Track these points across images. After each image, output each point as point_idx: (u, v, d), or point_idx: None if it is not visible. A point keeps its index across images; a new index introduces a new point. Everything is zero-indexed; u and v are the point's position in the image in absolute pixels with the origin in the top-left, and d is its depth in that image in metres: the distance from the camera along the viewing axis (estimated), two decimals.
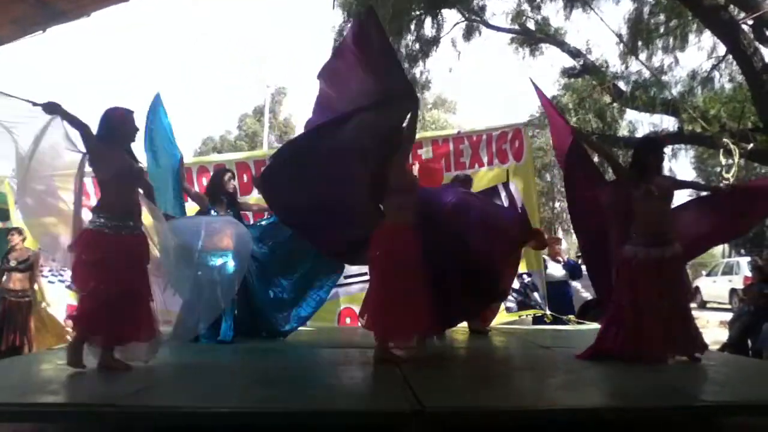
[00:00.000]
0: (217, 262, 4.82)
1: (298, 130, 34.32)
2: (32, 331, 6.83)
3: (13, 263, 6.89)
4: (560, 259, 7.19)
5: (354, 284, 6.34)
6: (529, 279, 6.78)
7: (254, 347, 4.80)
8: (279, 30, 62.99)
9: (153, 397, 2.84)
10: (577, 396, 3.10)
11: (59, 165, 3.84)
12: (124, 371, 3.42)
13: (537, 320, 6.87)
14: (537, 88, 5.22)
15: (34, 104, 3.63)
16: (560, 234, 21.76)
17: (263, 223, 5.52)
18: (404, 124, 4.03)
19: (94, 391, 3.06)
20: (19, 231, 6.88)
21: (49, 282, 6.99)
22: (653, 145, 4.31)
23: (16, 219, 7.13)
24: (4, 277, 6.99)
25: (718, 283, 17.10)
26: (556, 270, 7.10)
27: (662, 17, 12.29)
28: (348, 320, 6.47)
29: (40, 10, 3.91)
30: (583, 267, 7.00)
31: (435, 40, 13.32)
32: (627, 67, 12.60)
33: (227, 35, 63.77)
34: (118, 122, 3.65)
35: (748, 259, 13.57)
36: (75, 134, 3.66)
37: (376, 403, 2.85)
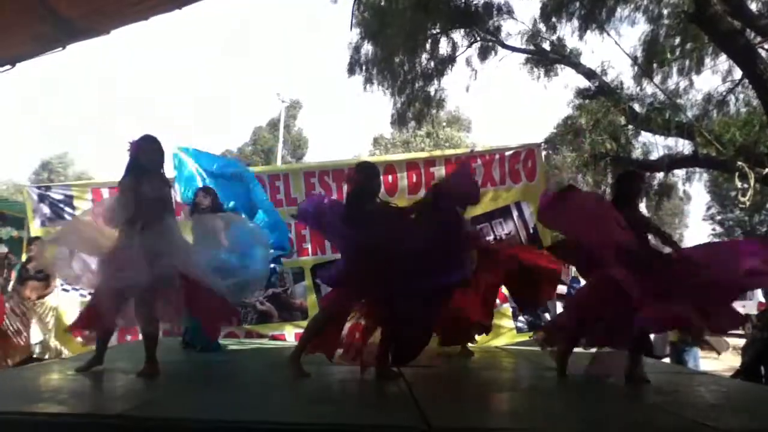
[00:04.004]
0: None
1: (311, 143, 34.45)
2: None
3: (32, 272, 6.96)
4: None
5: None
6: None
7: (260, 361, 4.81)
8: (296, 45, 63.73)
9: (161, 408, 2.84)
10: (584, 417, 3.07)
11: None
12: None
13: None
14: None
15: None
16: None
17: None
18: None
19: (103, 402, 3.08)
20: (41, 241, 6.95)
21: (63, 290, 7.05)
22: (627, 178, 4.34)
23: (35, 227, 7.22)
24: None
25: None
26: None
27: (678, 40, 12.27)
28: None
29: (61, 27, 3.93)
30: None
31: (450, 59, 13.37)
32: (642, 89, 12.58)
33: (244, 51, 64.58)
34: (138, 152, 3.75)
35: None
36: None
37: (382, 420, 2.84)
